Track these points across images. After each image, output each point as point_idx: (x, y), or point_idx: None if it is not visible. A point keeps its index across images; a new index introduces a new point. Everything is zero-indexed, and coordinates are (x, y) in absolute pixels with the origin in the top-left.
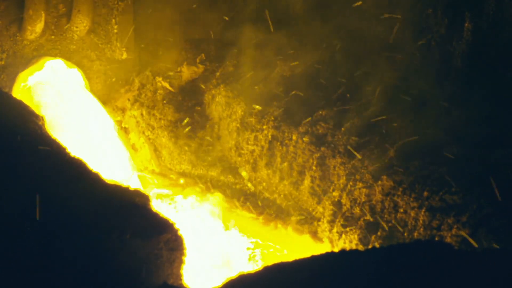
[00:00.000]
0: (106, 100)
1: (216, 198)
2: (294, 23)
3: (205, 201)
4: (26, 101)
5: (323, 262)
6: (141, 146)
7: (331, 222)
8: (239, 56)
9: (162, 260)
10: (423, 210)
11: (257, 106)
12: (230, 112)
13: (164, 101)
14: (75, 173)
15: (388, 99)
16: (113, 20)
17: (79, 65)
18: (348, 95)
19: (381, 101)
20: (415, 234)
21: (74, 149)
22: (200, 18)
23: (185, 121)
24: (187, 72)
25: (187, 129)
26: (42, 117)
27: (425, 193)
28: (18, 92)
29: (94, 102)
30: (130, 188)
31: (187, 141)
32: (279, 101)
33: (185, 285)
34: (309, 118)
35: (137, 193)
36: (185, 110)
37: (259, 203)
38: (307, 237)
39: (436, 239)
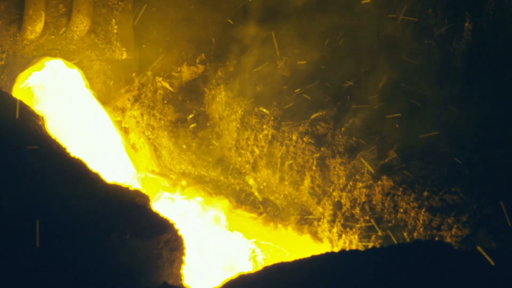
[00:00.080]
0: (106, 100)
1: (221, 204)
2: (295, 19)
3: (211, 206)
4: (26, 101)
5: (323, 262)
6: (141, 146)
7: (331, 222)
8: (239, 56)
9: (162, 260)
10: (423, 210)
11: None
12: (230, 112)
13: (164, 101)
14: (75, 173)
15: (388, 99)
16: (113, 20)
17: (79, 65)
18: (348, 96)
19: (381, 101)
20: (415, 234)
21: (74, 149)
22: (200, 19)
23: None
24: (187, 72)
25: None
26: (42, 117)
27: (425, 193)
28: (18, 92)
29: (94, 102)
30: (130, 188)
31: (187, 141)
32: (279, 101)
33: (185, 285)
34: (313, 116)
35: (137, 193)
36: (185, 110)
37: (259, 202)
38: (307, 237)
39: (436, 239)
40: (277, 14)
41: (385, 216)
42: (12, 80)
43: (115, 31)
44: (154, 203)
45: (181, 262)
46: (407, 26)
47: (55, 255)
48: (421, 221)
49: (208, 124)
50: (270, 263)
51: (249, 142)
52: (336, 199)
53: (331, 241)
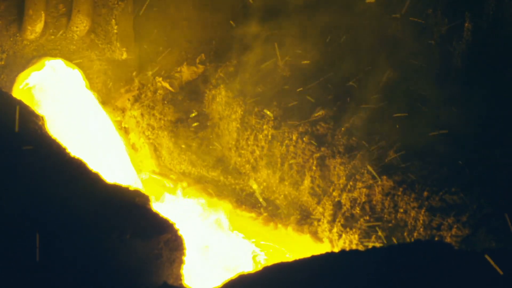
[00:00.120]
0: (106, 100)
1: (221, 204)
2: (296, 19)
3: (211, 206)
4: (26, 101)
5: (323, 262)
6: (141, 146)
7: (331, 222)
8: (239, 56)
9: (162, 260)
10: (423, 210)
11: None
12: (230, 112)
13: (164, 101)
14: (75, 173)
15: (388, 99)
16: (113, 20)
17: (79, 65)
18: (348, 96)
19: (382, 101)
20: (415, 234)
21: (74, 149)
22: (200, 19)
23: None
24: (187, 72)
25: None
26: (42, 117)
27: (425, 193)
28: (18, 92)
29: (94, 102)
30: (130, 188)
31: (187, 141)
32: (279, 101)
33: (185, 285)
34: (313, 116)
35: (137, 193)
36: (185, 110)
37: (264, 207)
38: (307, 237)
39: (436, 239)
40: (278, 14)
41: (385, 216)
42: (12, 80)
43: (115, 31)
44: (154, 203)
45: (181, 262)
46: (407, 26)
47: (55, 255)
48: (421, 221)
49: (208, 124)
50: (270, 263)
51: (249, 142)
52: (336, 199)
53: (331, 241)
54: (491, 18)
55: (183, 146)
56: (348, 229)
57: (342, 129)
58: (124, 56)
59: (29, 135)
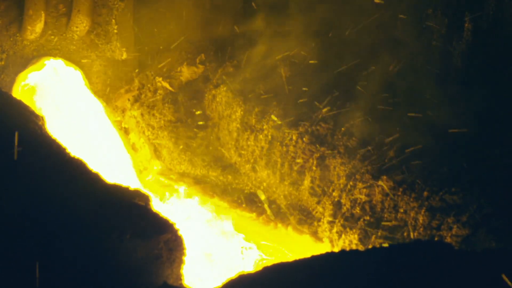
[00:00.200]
0: (106, 100)
1: (221, 204)
2: (296, 19)
3: (210, 206)
4: (26, 101)
5: (323, 262)
6: (141, 146)
7: (331, 222)
8: (239, 56)
9: (162, 260)
10: (423, 210)
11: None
12: (230, 112)
13: (164, 101)
14: (75, 173)
15: (388, 99)
16: (113, 20)
17: (79, 65)
18: (348, 96)
19: (381, 101)
20: (415, 234)
21: (74, 149)
22: (200, 19)
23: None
24: (187, 72)
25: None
26: (42, 117)
27: (425, 193)
28: (18, 92)
29: (94, 102)
30: (130, 188)
31: (187, 141)
32: (279, 101)
33: (185, 285)
34: (313, 116)
35: (137, 193)
36: (185, 110)
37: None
38: (307, 237)
39: (436, 239)
40: (279, 13)
41: (385, 216)
42: (12, 80)
43: (115, 31)
44: (155, 203)
45: (181, 262)
46: (407, 26)
47: (55, 255)
48: (421, 221)
49: (208, 124)
50: (270, 263)
51: (249, 142)
52: (336, 199)
53: (331, 241)
54: (491, 18)
55: (183, 146)
56: (348, 229)
57: (342, 129)
58: (124, 56)
59: (29, 135)
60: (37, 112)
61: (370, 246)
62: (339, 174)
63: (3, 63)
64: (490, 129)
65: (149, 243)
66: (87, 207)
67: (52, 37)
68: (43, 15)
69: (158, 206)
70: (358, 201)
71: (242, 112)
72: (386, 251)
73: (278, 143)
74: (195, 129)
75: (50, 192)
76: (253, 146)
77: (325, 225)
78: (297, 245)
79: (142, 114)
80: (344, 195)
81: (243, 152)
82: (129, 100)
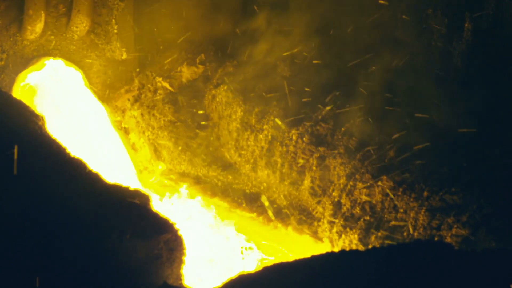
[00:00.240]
0: (106, 100)
1: (221, 204)
2: (296, 18)
3: (210, 206)
4: (26, 101)
5: (323, 262)
6: (141, 146)
7: (331, 222)
8: (239, 56)
9: (162, 260)
10: (423, 210)
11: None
12: (230, 112)
13: (164, 101)
14: (75, 173)
15: (388, 99)
16: (113, 20)
17: (79, 65)
18: (348, 96)
19: (381, 101)
20: (415, 234)
21: (74, 149)
22: (200, 19)
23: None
24: (187, 72)
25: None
26: (42, 117)
27: (425, 193)
28: (18, 92)
29: (94, 102)
30: (130, 188)
31: (187, 141)
32: (279, 101)
33: (185, 285)
34: (313, 116)
35: (137, 193)
36: (185, 110)
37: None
38: (307, 237)
39: (436, 239)
40: (278, 14)
41: (385, 216)
42: (12, 80)
43: (115, 31)
44: (155, 203)
45: (181, 262)
46: (407, 26)
47: (55, 255)
48: (421, 221)
49: (208, 124)
50: (270, 263)
51: (249, 142)
52: (336, 199)
53: (331, 241)
54: (491, 18)
55: (183, 146)
56: (348, 229)
57: (342, 129)
58: (124, 56)
59: (29, 135)
60: (37, 112)
61: (370, 246)
62: (339, 174)
63: (3, 63)
64: (490, 129)
65: (149, 243)
66: (87, 207)
67: (52, 37)
68: (43, 15)
69: (158, 206)
70: (358, 201)
71: (242, 112)
72: (386, 251)
73: (278, 143)
74: (195, 129)
75: (50, 192)
76: (253, 146)
77: (325, 225)
78: (297, 245)
79: (142, 114)
80: (344, 195)
81: (243, 152)
82: (129, 100)
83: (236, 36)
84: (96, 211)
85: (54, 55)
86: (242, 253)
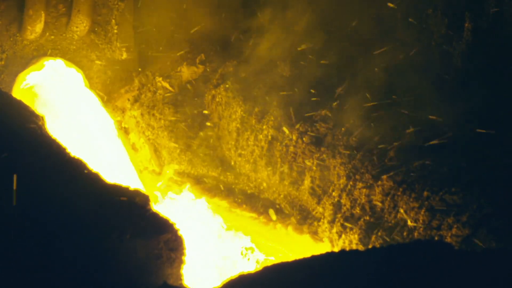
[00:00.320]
0: (106, 100)
1: (221, 204)
2: (296, 14)
3: (210, 206)
4: (26, 101)
5: (323, 262)
6: (141, 146)
7: (331, 222)
8: (239, 56)
9: (162, 260)
10: (423, 210)
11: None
12: (230, 112)
13: (164, 101)
14: (75, 173)
15: (389, 99)
16: (113, 20)
17: (79, 65)
18: (348, 96)
19: (381, 101)
20: (415, 234)
21: (74, 149)
22: (200, 19)
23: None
24: (187, 72)
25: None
26: (42, 117)
27: (425, 193)
28: (18, 92)
29: (94, 102)
30: (130, 188)
31: (187, 141)
32: (279, 101)
33: (185, 285)
34: (313, 116)
35: (137, 193)
36: (185, 110)
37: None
38: (307, 237)
39: (436, 239)
40: (278, 14)
41: (385, 216)
42: (12, 80)
43: (115, 31)
44: (155, 204)
45: (181, 262)
46: (407, 26)
47: (55, 255)
48: (421, 221)
49: (208, 124)
50: (270, 263)
51: (249, 142)
52: (336, 199)
53: (331, 241)
54: (491, 18)
55: (183, 146)
56: (348, 229)
57: (342, 129)
58: (124, 56)
59: (29, 135)
60: (37, 112)
61: (370, 246)
62: (339, 174)
63: (3, 63)
64: (490, 129)
65: (149, 243)
66: (87, 207)
67: (52, 37)
68: (43, 15)
69: (158, 206)
70: (358, 201)
71: (242, 112)
72: (386, 251)
73: (278, 143)
74: (195, 129)
75: (50, 192)
76: (253, 146)
77: (325, 225)
78: (297, 245)
79: (142, 114)
80: (344, 195)
81: (243, 152)
82: (129, 100)
83: (236, 36)
84: (96, 211)
85: (54, 55)
86: (242, 253)
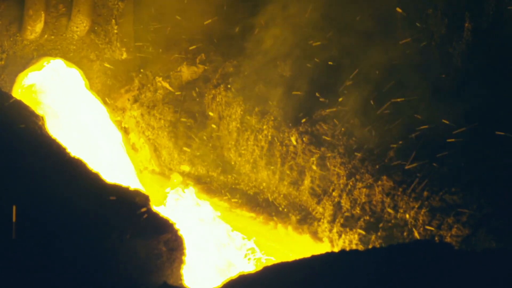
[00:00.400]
0: (106, 100)
1: (221, 204)
2: (296, 14)
3: (210, 206)
4: (26, 101)
5: (323, 262)
6: (141, 146)
7: (331, 222)
8: (239, 56)
9: (162, 260)
10: (423, 210)
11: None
12: (230, 112)
13: (164, 101)
14: (75, 173)
15: (389, 99)
16: (113, 20)
17: (79, 65)
18: (348, 96)
19: (381, 101)
20: (415, 234)
21: (74, 149)
22: (200, 19)
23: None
24: (187, 72)
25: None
26: (42, 117)
27: (425, 193)
28: (18, 92)
29: (94, 102)
30: (130, 188)
31: (187, 141)
32: (279, 101)
33: (185, 285)
34: (313, 116)
35: (137, 193)
36: (185, 110)
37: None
38: (307, 237)
39: (436, 239)
40: (278, 14)
41: (385, 216)
42: (12, 80)
43: (115, 31)
44: (155, 204)
45: (181, 262)
46: (407, 26)
47: (55, 255)
48: (421, 221)
49: (208, 124)
50: (270, 263)
51: (249, 142)
52: (336, 199)
53: (331, 241)
54: (491, 18)
55: (183, 146)
56: (348, 229)
57: (342, 129)
58: (124, 56)
59: (29, 135)
60: (37, 112)
61: (370, 246)
62: (339, 174)
63: (3, 63)
64: (490, 128)
65: (149, 243)
66: (87, 207)
67: (52, 37)
68: (43, 15)
69: (158, 206)
70: (358, 201)
71: (242, 112)
72: (386, 251)
73: (278, 143)
74: (195, 129)
75: (50, 192)
76: (253, 146)
77: (325, 225)
78: (297, 245)
79: (142, 114)
80: (344, 195)
81: (243, 152)
82: (129, 100)
83: (236, 36)
84: (96, 211)
85: (54, 55)
86: (245, 256)
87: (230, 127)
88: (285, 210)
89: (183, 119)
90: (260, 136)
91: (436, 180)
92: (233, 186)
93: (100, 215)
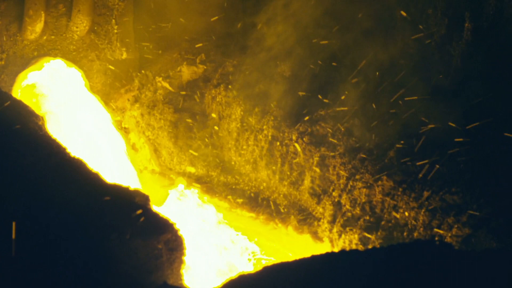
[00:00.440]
0: (106, 100)
1: (221, 204)
2: (296, 14)
3: (210, 206)
4: (26, 101)
5: (323, 262)
6: (141, 146)
7: (331, 222)
8: (239, 56)
9: (162, 260)
10: (423, 210)
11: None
12: (230, 112)
13: (164, 101)
14: (75, 173)
15: (389, 99)
16: (113, 20)
17: (79, 65)
18: (348, 96)
19: (382, 101)
20: (415, 234)
21: (74, 149)
22: (200, 19)
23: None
24: (187, 72)
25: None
26: (42, 117)
27: (425, 193)
28: (18, 92)
29: (94, 102)
30: (130, 188)
31: (187, 141)
32: (279, 101)
33: (185, 285)
34: (313, 116)
35: (137, 193)
36: (185, 110)
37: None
38: (307, 237)
39: (436, 239)
40: (278, 14)
41: (385, 216)
42: (12, 80)
43: (115, 31)
44: (155, 204)
45: (181, 262)
46: (407, 26)
47: (55, 255)
48: (421, 221)
49: (208, 124)
50: (270, 263)
51: (249, 142)
52: (336, 199)
53: (331, 241)
54: (491, 18)
55: (183, 146)
56: (348, 229)
57: (342, 129)
58: (124, 56)
59: (29, 135)
60: (37, 112)
61: (370, 246)
62: (339, 174)
63: (3, 63)
64: (490, 128)
65: (149, 243)
66: (87, 207)
67: (52, 37)
68: (43, 15)
69: (158, 206)
70: (358, 201)
71: (242, 112)
72: (386, 251)
73: (278, 143)
74: (195, 129)
75: (50, 192)
76: (253, 146)
77: (325, 225)
78: (297, 245)
79: (142, 114)
80: (344, 195)
81: (243, 152)
82: (129, 100)
83: (236, 36)
84: (96, 211)
85: (54, 55)
86: (242, 253)
87: (230, 127)
88: (285, 210)
89: (183, 119)
90: (260, 136)
91: (436, 180)
92: (233, 186)
93: (100, 215)
